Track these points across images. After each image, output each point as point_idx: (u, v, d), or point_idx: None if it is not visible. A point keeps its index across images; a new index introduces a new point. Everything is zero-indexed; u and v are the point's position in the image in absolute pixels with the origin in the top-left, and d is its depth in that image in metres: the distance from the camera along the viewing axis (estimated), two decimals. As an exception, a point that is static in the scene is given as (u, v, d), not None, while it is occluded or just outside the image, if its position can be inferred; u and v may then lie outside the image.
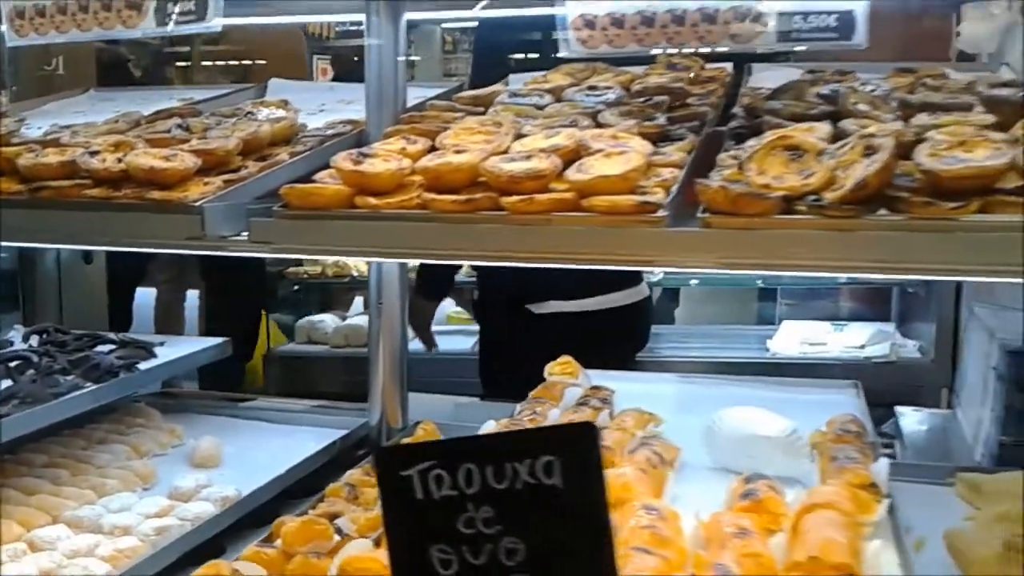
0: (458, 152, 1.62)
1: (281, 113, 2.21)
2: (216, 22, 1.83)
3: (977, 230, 1.29)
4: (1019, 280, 1.26)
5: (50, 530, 1.62)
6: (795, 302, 5.02)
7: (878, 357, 4.28)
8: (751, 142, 1.58)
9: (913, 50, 3.88)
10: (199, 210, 1.59)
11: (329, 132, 2.09)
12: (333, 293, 4.89)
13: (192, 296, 5.13)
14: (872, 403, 3.03)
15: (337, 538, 1.51)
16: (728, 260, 1.40)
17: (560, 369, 2.00)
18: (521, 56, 3.14)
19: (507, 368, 3.02)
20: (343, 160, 1.61)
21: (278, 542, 1.52)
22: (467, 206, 1.48)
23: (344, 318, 4.73)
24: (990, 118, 1.62)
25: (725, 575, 1.09)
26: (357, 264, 4.67)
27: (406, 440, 2.02)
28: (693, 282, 4.88)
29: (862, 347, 4.41)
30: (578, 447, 0.82)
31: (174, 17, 1.86)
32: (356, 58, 5.93)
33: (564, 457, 0.81)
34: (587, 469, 0.82)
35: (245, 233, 1.61)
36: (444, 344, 4.67)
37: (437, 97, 2.33)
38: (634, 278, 3.08)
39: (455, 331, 4.82)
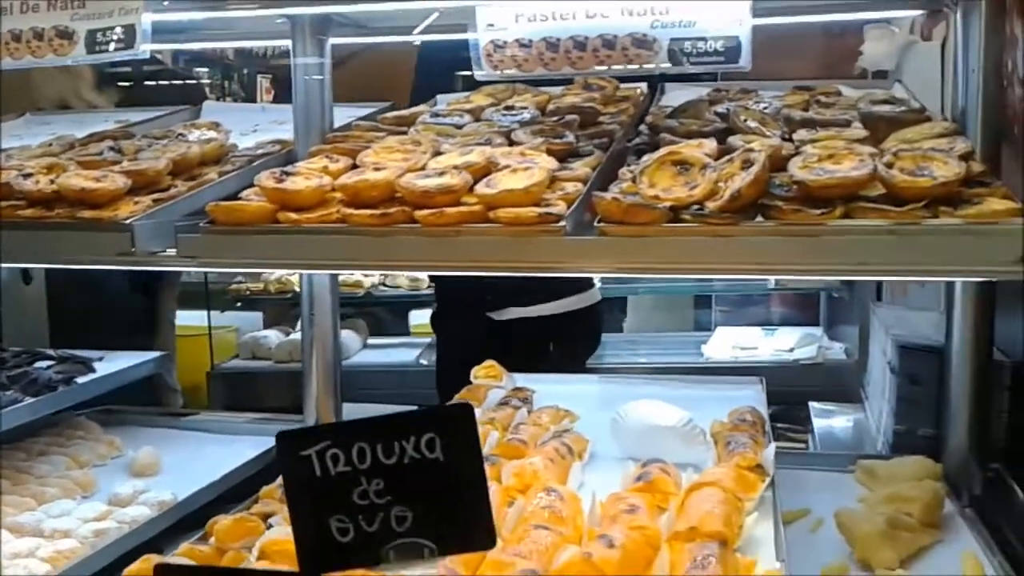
0: (377, 169, 1.73)
1: (212, 134, 2.30)
2: (144, 48, 1.92)
3: (839, 233, 1.43)
4: (878, 278, 1.41)
5: (-10, 536, 1.69)
6: (729, 309, 5.22)
7: (806, 359, 4.48)
8: (645, 158, 1.72)
9: (835, 65, 4.10)
10: (128, 227, 1.68)
11: (258, 152, 2.19)
12: (276, 309, 4.95)
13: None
14: (799, 402, 3.20)
15: (270, 535, 1.60)
16: (621, 265, 1.53)
17: (485, 372, 2.11)
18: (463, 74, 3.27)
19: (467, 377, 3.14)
20: (266, 178, 1.71)
21: (212, 540, 1.61)
22: (383, 220, 1.59)
23: (288, 333, 4.79)
24: (863, 133, 1.78)
25: (610, 544, 1.21)
26: (296, 280, 4.74)
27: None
28: (638, 292, 5.05)
29: (791, 350, 4.60)
30: (456, 425, 0.94)
31: (103, 45, 1.94)
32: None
33: (444, 434, 0.93)
34: (464, 444, 0.94)
35: (173, 249, 1.70)
36: (388, 357, 4.78)
37: (364, 118, 2.44)
38: (587, 283, 3.22)
39: (399, 344, 4.92)
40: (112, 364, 2.40)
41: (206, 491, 1.94)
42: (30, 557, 1.61)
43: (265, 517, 1.70)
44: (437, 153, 1.88)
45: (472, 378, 2.12)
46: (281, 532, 1.39)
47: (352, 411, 2.42)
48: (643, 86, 2.47)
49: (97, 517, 1.78)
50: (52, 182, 1.81)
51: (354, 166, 1.83)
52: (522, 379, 2.19)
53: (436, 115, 2.21)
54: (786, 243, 1.41)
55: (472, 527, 0.94)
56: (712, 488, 1.36)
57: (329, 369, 2.31)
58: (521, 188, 1.58)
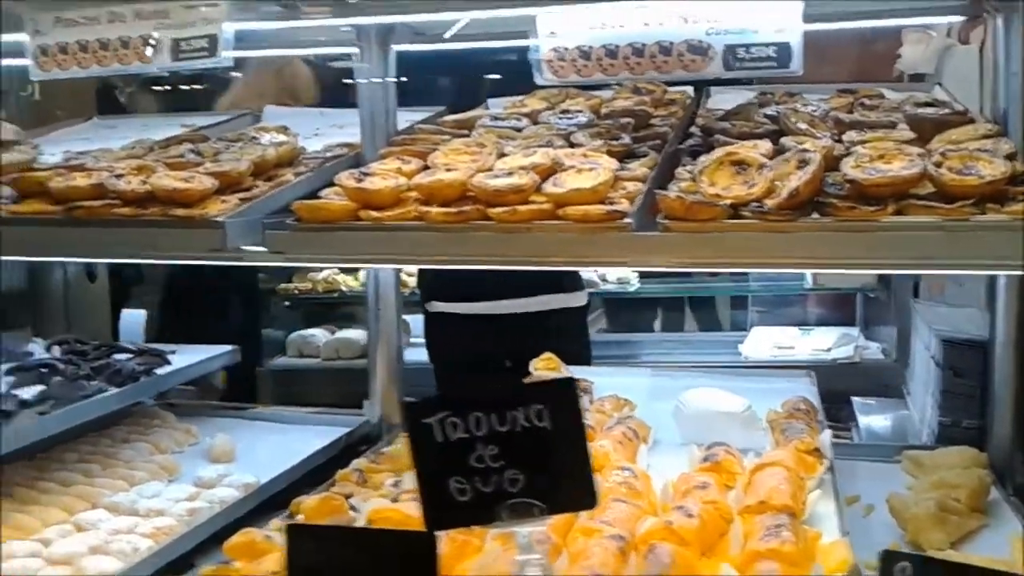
0: (448, 170, 1.84)
1: (282, 138, 2.42)
2: (225, 56, 2.04)
3: (895, 229, 1.52)
4: (928, 272, 1.49)
5: (91, 514, 1.82)
6: (765, 309, 5.28)
7: (843, 359, 4.52)
8: (703, 158, 1.82)
9: (870, 70, 4.16)
10: (220, 225, 1.80)
11: (328, 154, 2.31)
12: (323, 308, 5.08)
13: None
14: (840, 400, 3.26)
15: (352, 514, 1.71)
16: (684, 260, 1.62)
17: (544, 364, 2.22)
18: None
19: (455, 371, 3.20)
20: (347, 178, 1.83)
21: (299, 517, 1.72)
22: (458, 217, 1.70)
23: (333, 332, 4.92)
24: (910, 134, 1.87)
25: (688, 514, 1.31)
26: (346, 280, 4.87)
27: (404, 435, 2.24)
28: (671, 293, 5.12)
29: (828, 350, 4.66)
30: (562, 397, 1.04)
31: (186, 54, 2.07)
32: (345, 80, 6.11)
33: (551, 405, 1.04)
34: (569, 414, 1.04)
35: (260, 245, 1.82)
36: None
37: (423, 121, 2.56)
38: (571, 284, 3.08)
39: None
40: (185, 357, 2.53)
41: (286, 475, 2.06)
42: (131, 533, 1.73)
43: (345, 497, 1.81)
44: (501, 154, 1.98)
45: (532, 369, 2.22)
46: (383, 503, 1.49)
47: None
48: (689, 89, 2.56)
49: (188, 497, 1.90)
50: (143, 183, 1.94)
51: (425, 167, 1.94)
52: (577, 371, 2.29)
53: (495, 118, 2.31)
54: (844, 238, 1.50)
55: (577, 489, 1.04)
56: (776, 467, 1.46)
57: (392, 361, 2.42)
58: (588, 187, 1.68)
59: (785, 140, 1.87)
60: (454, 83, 3.59)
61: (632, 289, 4.87)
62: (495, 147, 2.02)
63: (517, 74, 3.02)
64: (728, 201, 1.61)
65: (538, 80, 2.06)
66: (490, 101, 2.74)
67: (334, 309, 5.09)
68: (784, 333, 4.86)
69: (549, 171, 1.82)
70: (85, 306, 3.53)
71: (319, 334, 4.84)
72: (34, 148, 2.54)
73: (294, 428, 2.54)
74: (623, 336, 5.02)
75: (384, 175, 1.85)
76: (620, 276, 4.81)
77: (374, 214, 1.76)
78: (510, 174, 1.79)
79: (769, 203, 1.59)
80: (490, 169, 1.85)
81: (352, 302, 4.99)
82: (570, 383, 1.07)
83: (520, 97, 2.59)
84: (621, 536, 1.24)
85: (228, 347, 2.63)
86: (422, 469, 1.06)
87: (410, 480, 1.89)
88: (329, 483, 1.96)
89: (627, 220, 1.63)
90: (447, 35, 2.42)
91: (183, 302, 4.52)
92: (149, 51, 2.08)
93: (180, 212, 1.85)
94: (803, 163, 1.65)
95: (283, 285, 4.91)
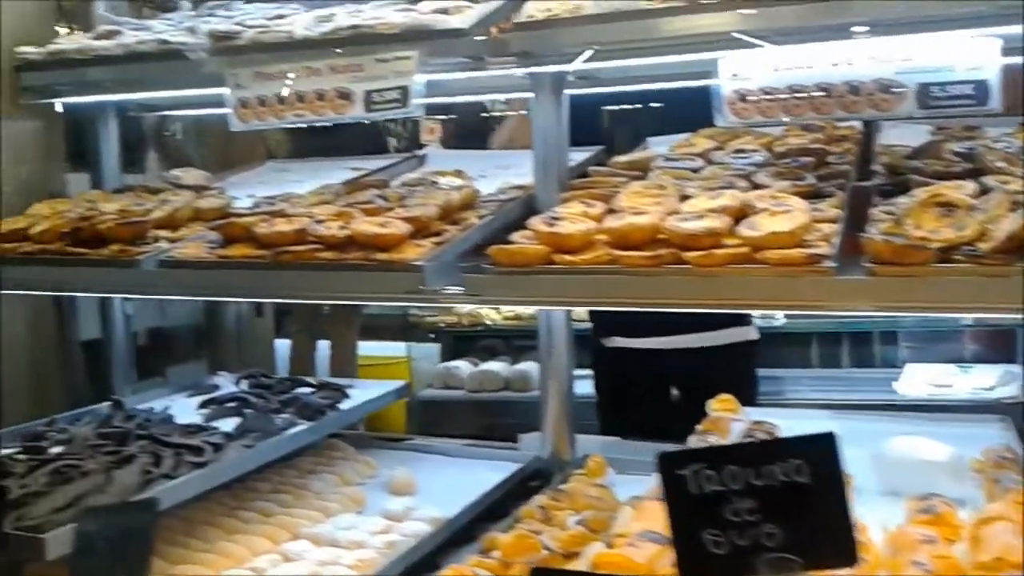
0: (636, 214, 1.86)
1: (459, 181, 2.51)
2: (415, 104, 2.13)
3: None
4: None
5: (296, 544, 1.91)
6: (918, 345, 5.08)
7: (1009, 398, 4.31)
8: (902, 199, 1.78)
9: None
10: (419, 268, 1.88)
11: (503, 197, 2.37)
12: (467, 341, 5.19)
13: (323, 346, 5.55)
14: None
15: (544, 552, 1.74)
16: (890, 304, 1.59)
17: (721, 405, 2.20)
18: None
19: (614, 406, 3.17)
20: (539, 223, 1.88)
21: (495, 553, 1.76)
22: (653, 261, 1.72)
23: (476, 364, 5.01)
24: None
25: (926, 570, 1.27)
26: (489, 313, 4.97)
27: (578, 472, 2.26)
28: (817, 327, 4.99)
29: (991, 388, 4.45)
30: (821, 451, 1.04)
31: (379, 104, 2.17)
32: (481, 115, 6.26)
33: (810, 459, 1.04)
34: (829, 468, 1.04)
35: (455, 287, 1.89)
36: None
37: (586, 162, 2.60)
38: (740, 318, 3.04)
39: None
40: (363, 392, 2.63)
41: (470, 509, 2.11)
42: (336, 565, 1.81)
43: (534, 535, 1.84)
44: (684, 196, 2.00)
45: (709, 410, 2.21)
46: (601, 548, 1.51)
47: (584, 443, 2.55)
48: (858, 124, 2.52)
49: (382, 530, 1.97)
50: (342, 228, 2.04)
51: (610, 210, 1.97)
52: (755, 412, 2.27)
53: (668, 159, 2.33)
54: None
55: (837, 544, 1.03)
56: (1005, 521, 1.40)
57: (564, 399, 2.45)
58: (787, 230, 1.67)
59: (986, 180, 1.82)
60: (610, 121, 3.63)
61: (778, 324, 4.77)
62: (676, 189, 2.04)
63: (673, 111, 3.05)
64: (938, 244, 1.57)
65: (719, 121, 2.06)
66: (650, 140, 2.77)
67: (477, 342, 5.20)
68: (940, 370, 4.67)
69: (738, 213, 1.82)
70: (253, 339, 3.73)
71: (463, 366, 4.94)
72: (221, 193, 2.72)
73: (465, 460, 2.59)
74: (769, 372, 4.92)
75: (573, 219, 1.89)
76: (765, 311, 4.72)
77: (568, 258, 1.80)
78: (700, 217, 1.80)
79: (984, 247, 1.55)
80: (677, 212, 1.87)
81: (495, 335, 5.09)
82: (830, 438, 1.07)
83: (684, 136, 2.60)
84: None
85: (399, 383, 2.72)
86: (675, 520, 1.07)
87: (594, 519, 1.92)
88: (513, 519, 2.00)
89: (830, 264, 1.62)
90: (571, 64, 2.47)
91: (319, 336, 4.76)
92: (343, 102, 2.19)
93: (381, 256, 1.94)
94: (1016, 205, 1.60)
95: (430, 318, 5.05)
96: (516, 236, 1.94)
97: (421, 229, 2.07)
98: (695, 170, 2.24)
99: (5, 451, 2.18)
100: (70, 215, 2.31)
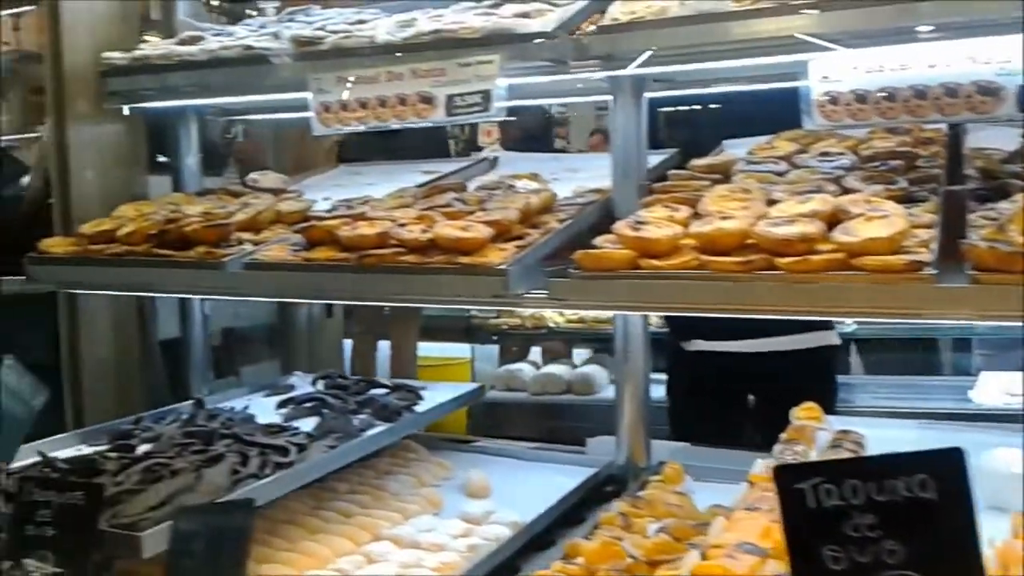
0: (724, 218, 1.84)
1: (535, 185, 2.50)
2: (497, 108, 2.13)
3: None
4: None
5: (378, 545, 1.92)
6: (992, 353, 4.94)
7: (1091, 408, 4.15)
8: (1004, 204, 1.73)
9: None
10: (503, 272, 1.87)
11: (580, 201, 2.36)
12: (529, 342, 5.19)
13: (383, 346, 5.60)
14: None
15: (628, 560, 1.72)
16: (993, 313, 1.54)
17: (806, 414, 2.16)
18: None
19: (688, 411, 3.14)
20: (624, 227, 1.86)
21: (578, 560, 1.75)
22: (745, 267, 1.69)
23: (538, 367, 5.00)
24: None
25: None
26: (553, 316, 4.95)
27: (655, 478, 2.24)
28: (888, 333, 4.88)
29: (1068, 397, 4.29)
30: (949, 467, 1.01)
31: (461, 108, 2.17)
32: (545, 116, 6.24)
33: (937, 475, 1.00)
34: (957, 485, 1.00)
35: (539, 291, 1.88)
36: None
37: (662, 164, 2.58)
38: (823, 322, 2.96)
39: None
40: (436, 394, 2.64)
41: (548, 514, 2.10)
42: (419, 567, 1.81)
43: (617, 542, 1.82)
44: (770, 200, 1.97)
45: (793, 418, 2.17)
46: (695, 559, 1.49)
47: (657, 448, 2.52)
48: (943, 126, 2.45)
49: (462, 533, 1.97)
50: (424, 231, 2.05)
51: (695, 214, 1.94)
52: (838, 422, 2.21)
53: (750, 163, 2.29)
54: None
55: (963, 564, 1.00)
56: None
57: (640, 404, 2.42)
58: (885, 236, 1.63)
59: (1091, 184, 1.76)
60: (684, 124, 3.59)
61: (848, 330, 4.68)
62: (762, 193, 2.01)
63: (746, 112, 3.00)
64: (1046, 252, 1.52)
65: (807, 125, 2.02)
66: (726, 143, 2.73)
67: (538, 343, 5.19)
68: (1015, 378, 4.52)
69: (831, 218, 1.78)
70: (323, 339, 3.78)
71: (526, 369, 4.94)
72: (301, 196, 2.75)
73: (533, 465, 2.59)
74: (841, 378, 4.83)
75: (659, 223, 1.87)
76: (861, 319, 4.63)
77: (655, 263, 1.78)
78: (792, 222, 1.77)
79: (1095, 254, 1.49)
80: (766, 216, 1.84)
81: (558, 337, 5.07)
82: (958, 454, 1.04)
83: (762, 139, 2.56)
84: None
85: (473, 385, 2.72)
86: (792, 535, 1.05)
87: (676, 527, 1.89)
88: (593, 524, 1.98)
89: (930, 271, 1.57)
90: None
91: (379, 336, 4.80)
92: (425, 107, 2.20)
93: (464, 260, 1.94)
94: None
95: (493, 320, 5.06)
96: (600, 240, 1.93)
97: (502, 233, 2.07)
98: (779, 173, 2.20)
99: (94, 448, 2.23)
100: (155, 217, 2.35)
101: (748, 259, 1.70)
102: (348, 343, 5.46)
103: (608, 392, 5.05)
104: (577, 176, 2.84)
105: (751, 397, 3.09)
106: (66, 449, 2.28)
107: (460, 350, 5.04)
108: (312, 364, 3.48)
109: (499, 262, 1.91)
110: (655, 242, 1.81)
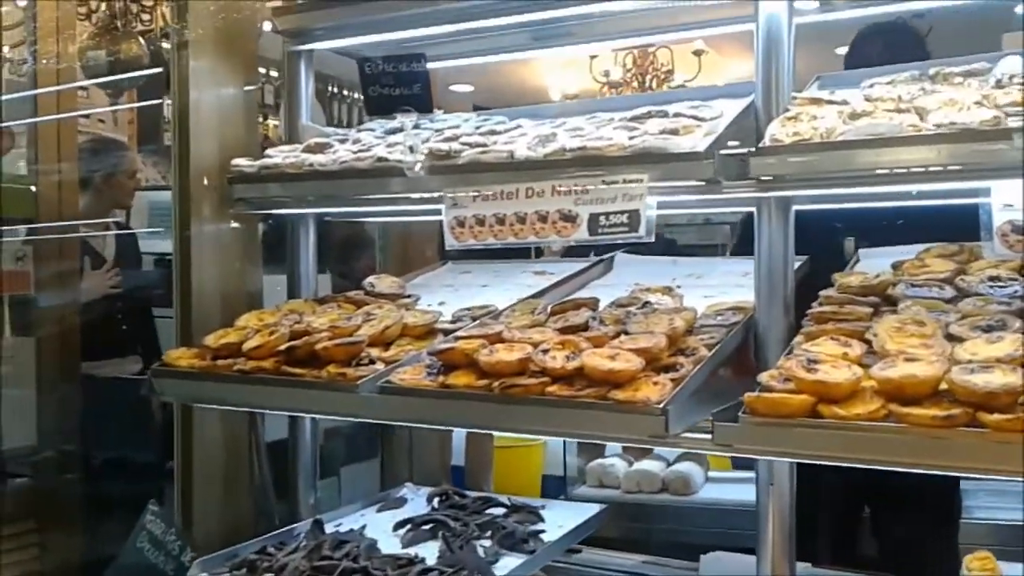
0: (909, 360, 1.69)
1: (671, 301, 2.38)
2: (644, 229, 2.03)
3: None
4: None
5: None
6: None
7: None
8: None
9: None
10: (664, 412, 1.75)
11: (721, 321, 2.22)
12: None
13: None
14: None
15: None
16: None
17: (980, 565, 1.98)
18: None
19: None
20: (797, 368, 1.72)
21: None
22: (947, 422, 1.54)
23: (631, 463, 4.81)
24: None
25: None
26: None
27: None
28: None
29: None
30: None
31: (606, 228, 2.08)
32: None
33: None
34: None
35: (702, 434, 1.75)
36: (730, 494, 4.64)
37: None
38: None
39: (738, 478, 4.77)
40: (556, 514, 2.49)
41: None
42: None
43: None
44: (948, 335, 1.82)
45: (965, 570, 1.99)
46: None
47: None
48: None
49: None
50: (568, 358, 1.94)
51: (868, 350, 1.80)
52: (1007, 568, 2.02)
53: (912, 285, 2.14)
54: None
55: None
56: None
57: (785, 519, 2.23)
58: (1107, 393, 1.48)
59: None
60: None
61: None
62: (936, 325, 1.86)
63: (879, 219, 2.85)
64: None
65: (988, 253, 1.89)
66: (862, 252, 2.59)
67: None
68: None
69: (1026, 363, 1.63)
70: (422, 437, 3.68)
71: (618, 464, 4.75)
72: (417, 302, 2.68)
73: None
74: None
75: (835, 363, 1.74)
76: None
77: (839, 412, 1.64)
78: (988, 368, 1.62)
79: None
80: (957, 360, 1.69)
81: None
82: None
83: (900, 248, 2.40)
84: None
85: (598, 506, 2.57)
86: None
87: None
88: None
89: None
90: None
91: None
92: (566, 225, 2.11)
93: (618, 395, 1.82)
94: None
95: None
96: (765, 378, 1.80)
97: (650, 361, 1.95)
98: (947, 300, 2.05)
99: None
100: (281, 330, 2.29)
101: (950, 414, 1.55)
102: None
103: (705, 493, 4.83)
104: (701, 283, 2.71)
105: (866, 509, 2.89)
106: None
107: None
108: (411, 463, 3.38)
109: (657, 399, 1.79)
110: (836, 387, 1.67)
